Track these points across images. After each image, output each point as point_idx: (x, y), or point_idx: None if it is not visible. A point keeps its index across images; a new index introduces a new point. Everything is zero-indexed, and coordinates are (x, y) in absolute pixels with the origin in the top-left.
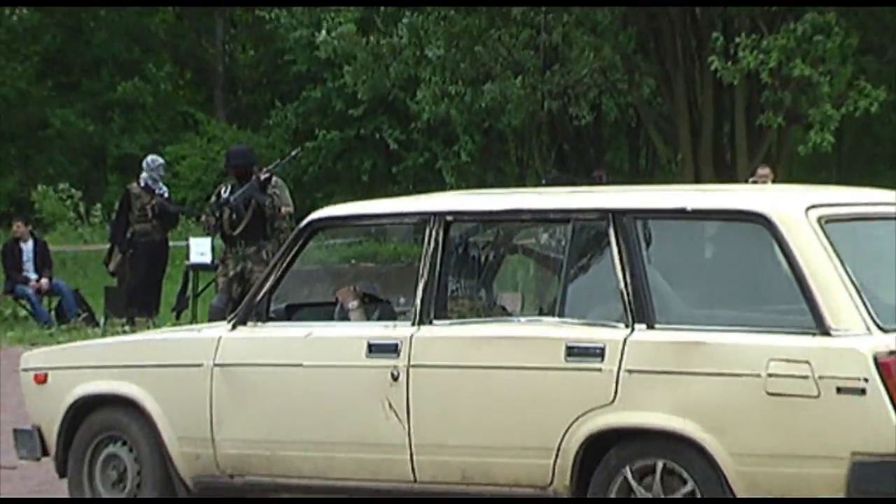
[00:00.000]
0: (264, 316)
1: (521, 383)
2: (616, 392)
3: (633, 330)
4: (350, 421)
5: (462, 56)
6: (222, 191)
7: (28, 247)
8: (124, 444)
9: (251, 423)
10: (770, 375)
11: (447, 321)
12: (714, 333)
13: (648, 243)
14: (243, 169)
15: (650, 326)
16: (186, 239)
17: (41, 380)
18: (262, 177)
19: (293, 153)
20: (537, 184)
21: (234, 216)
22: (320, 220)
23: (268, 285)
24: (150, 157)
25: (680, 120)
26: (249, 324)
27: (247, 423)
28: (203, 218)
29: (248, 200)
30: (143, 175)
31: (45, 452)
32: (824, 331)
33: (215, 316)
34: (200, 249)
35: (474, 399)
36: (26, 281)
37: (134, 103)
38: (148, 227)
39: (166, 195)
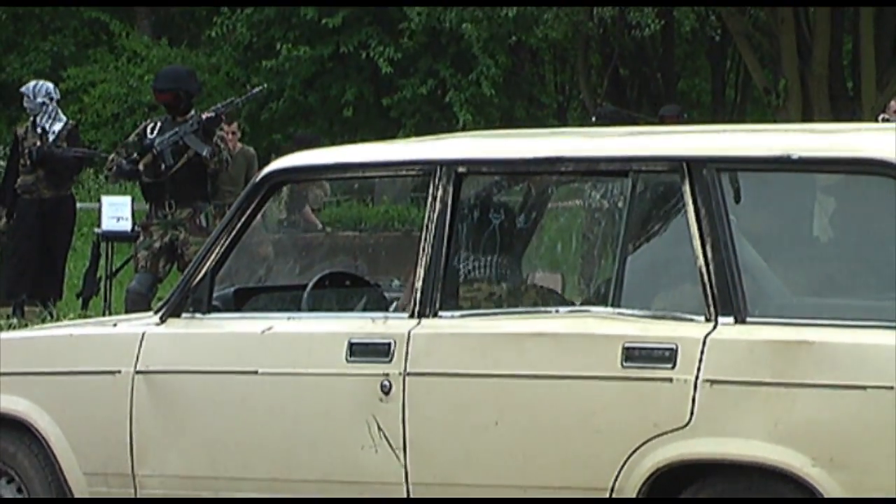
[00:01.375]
0: (204, 305)
1: (561, 399)
2: (692, 411)
3: (715, 325)
4: (323, 451)
5: None
6: (149, 129)
7: None
8: (10, 481)
9: (186, 453)
10: None
11: (458, 312)
12: (828, 330)
13: (738, 204)
14: (173, 96)
15: (740, 320)
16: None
17: None
18: (206, 115)
19: (254, 90)
20: (584, 122)
21: (162, 166)
22: (283, 171)
23: (209, 263)
24: (29, 84)
25: (783, 32)
26: (184, 315)
27: (180, 454)
28: (112, 157)
29: (179, 145)
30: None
31: None
32: None
33: (137, 304)
34: (117, 212)
35: (495, 421)
36: None
37: (22, 12)
38: (30, 179)
39: (56, 131)
